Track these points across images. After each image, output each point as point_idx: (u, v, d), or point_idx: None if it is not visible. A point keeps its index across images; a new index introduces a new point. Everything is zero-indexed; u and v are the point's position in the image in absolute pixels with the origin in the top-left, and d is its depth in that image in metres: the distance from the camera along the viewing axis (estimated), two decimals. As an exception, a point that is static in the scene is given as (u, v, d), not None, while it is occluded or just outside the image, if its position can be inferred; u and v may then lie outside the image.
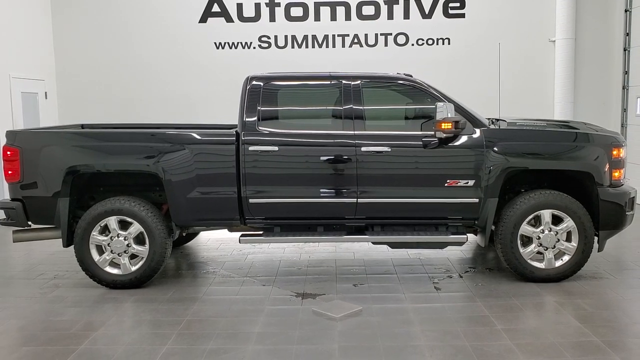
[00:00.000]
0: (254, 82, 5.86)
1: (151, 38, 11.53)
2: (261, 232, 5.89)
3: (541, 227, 5.67)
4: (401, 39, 11.48)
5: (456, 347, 4.32)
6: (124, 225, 5.72)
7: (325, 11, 11.45)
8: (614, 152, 5.70)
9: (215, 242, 7.68)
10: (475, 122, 5.73)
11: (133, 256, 5.76)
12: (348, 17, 11.45)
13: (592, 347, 4.28)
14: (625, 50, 11.28)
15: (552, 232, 5.65)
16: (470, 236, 6.03)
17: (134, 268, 5.74)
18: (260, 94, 5.80)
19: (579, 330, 4.58)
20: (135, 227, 5.68)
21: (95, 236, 5.70)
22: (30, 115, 10.48)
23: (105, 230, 5.74)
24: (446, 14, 11.46)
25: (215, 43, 11.50)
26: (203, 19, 11.49)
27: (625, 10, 11.20)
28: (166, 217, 5.84)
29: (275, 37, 11.50)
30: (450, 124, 5.40)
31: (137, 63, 11.58)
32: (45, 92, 11.13)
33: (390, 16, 11.45)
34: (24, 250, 7.41)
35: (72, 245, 5.78)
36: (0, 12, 9.98)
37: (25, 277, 6.37)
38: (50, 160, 5.70)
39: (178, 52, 11.53)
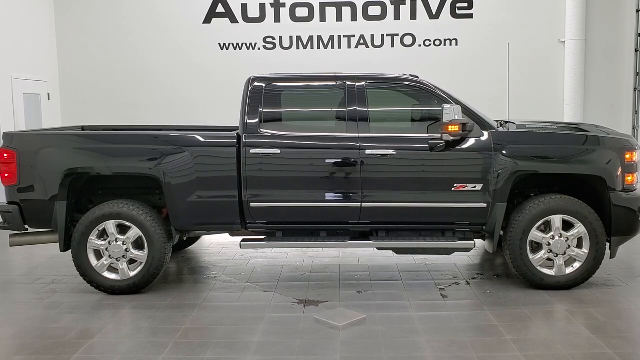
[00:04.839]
0: (256, 83, 5.72)
1: (155, 39, 11.46)
2: (263, 237, 5.75)
3: (551, 233, 5.50)
4: (408, 40, 11.34)
5: (463, 358, 4.16)
6: (123, 230, 5.59)
7: (330, 12, 11.34)
8: (627, 156, 5.52)
9: (217, 246, 7.55)
10: (483, 124, 5.57)
11: (132, 261, 5.63)
12: (354, 17, 11.34)
13: (605, 359, 4.10)
14: (636, 51, 11.10)
15: (562, 238, 5.48)
16: (478, 242, 5.86)
17: (132, 273, 5.60)
18: (262, 96, 5.66)
19: (591, 341, 4.41)
20: (134, 232, 5.55)
21: (93, 240, 5.57)
22: (33, 116, 10.42)
23: (103, 234, 5.61)
24: (454, 14, 11.33)
25: (219, 44, 11.42)
26: (207, 20, 11.41)
27: (637, 11, 11.02)
28: (166, 221, 5.71)
29: (280, 37, 11.40)
30: (457, 127, 5.24)
31: (141, 64, 11.51)
32: (48, 94, 11.07)
33: (396, 17, 11.33)
34: (24, 254, 7.30)
35: (70, 250, 5.65)
36: (3, 13, 9.91)
37: (23, 281, 6.26)
38: (48, 162, 5.58)
39: (182, 53, 11.46)
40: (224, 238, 6.62)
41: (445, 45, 11.33)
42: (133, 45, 11.50)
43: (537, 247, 5.56)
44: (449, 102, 5.48)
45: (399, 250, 5.81)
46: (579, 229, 5.46)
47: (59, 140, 5.74)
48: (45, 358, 4.26)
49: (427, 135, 5.56)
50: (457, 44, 11.31)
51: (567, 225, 5.49)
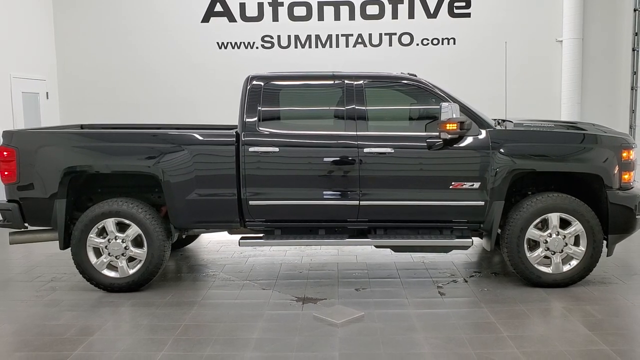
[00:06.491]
0: (255, 82, 5.74)
1: (153, 38, 11.47)
2: (261, 235, 5.77)
3: (548, 231, 5.53)
4: (406, 39, 11.37)
5: (461, 355, 4.18)
6: (122, 228, 5.61)
7: (328, 11, 11.36)
8: (624, 154, 5.55)
9: (216, 244, 7.57)
10: (481, 122, 5.60)
11: (131, 259, 5.64)
12: (352, 16, 11.36)
13: (602, 356, 4.13)
14: (634, 50, 11.13)
15: (559, 236, 5.51)
16: (476, 240, 5.89)
17: (131, 271, 5.62)
18: (261, 94, 5.68)
19: (588, 338, 4.44)
20: (133, 230, 5.57)
21: (93, 238, 5.59)
22: (31, 115, 10.43)
23: (102, 232, 5.63)
24: (451, 13, 11.36)
25: (217, 43, 11.44)
26: (205, 19, 11.43)
27: (634, 10, 11.05)
28: (165, 219, 5.73)
29: (278, 37, 11.42)
30: (455, 125, 5.27)
31: (139, 63, 11.52)
32: (47, 92, 11.08)
33: (394, 16, 11.35)
34: (23, 252, 7.32)
35: (69, 248, 5.67)
36: (2, 12, 9.92)
37: (22, 279, 6.28)
38: (48, 160, 5.59)
39: (180, 51, 11.47)
40: (223, 236, 6.64)
41: (443, 44, 11.36)
42: (131, 44, 11.50)
43: (534, 245, 5.58)
44: (446, 101, 5.50)
45: (397, 248, 5.84)
46: (576, 226, 5.48)
47: (58, 139, 5.75)
48: (45, 355, 4.28)
49: (425, 133, 5.59)
50: (455, 43, 11.34)
51: (564, 223, 5.52)
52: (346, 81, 5.71)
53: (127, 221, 5.56)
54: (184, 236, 6.69)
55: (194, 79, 11.43)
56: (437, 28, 11.33)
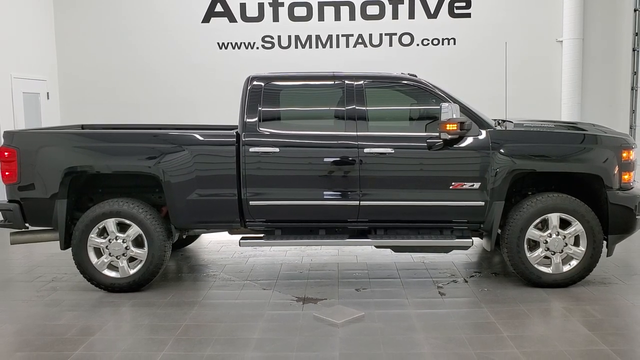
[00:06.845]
0: (255, 82, 5.75)
1: (154, 38, 11.48)
2: (262, 235, 5.78)
3: (548, 231, 5.53)
4: (406, 39, 11.38)
5: (461, 355, 4.19)
6: (123, 228, 5.62)
7: (329, 11, 11.37)
8: (624, 154, 5.56)
9: (216, 244, 7.58)
10: (481, 123, 5.60)
11: (132, 259, 5.65)
12: (352, 17, 11.37)
13: (602, 356, 4.14)
14: (634, 50, 11.14)
15: (559, 236, 5.52)
16: (476, 240, 5.90)
17: (132, 271, 5.63)
18: (261, 95, 5.69)
19: (588, 338, 4.45)
20: (134, 230, 5.58)
21: (93, 238, 5.59)
22: (32, 115, 10.44)
23: (103, 232, 5.64)
24: (452, 13, 11.36)
25: (218, 43, 11.45)
26: (206, 19, 11.44)
27: (635, 10, 11.06)
28: (165, 220, 5.74)
29: (279, 37, 11.43)
30: (455, 125, 5.28)
31: (140, 63, 11.53)
32: (47, 93, 11.08)
33: (395, 16, 11.36)
34: (24, 252, 7.33)
35: (70, 248, 5.68)
36: (3, 12, 9.93)
37: (23, 279, 6.29)
38: (48, 161, 5.60)
39: (180, 52, 11.48)
40: (223, 236, 6.64)
41: (443, 44, 11.37)
42: (132, 44, 11.51)
43: (534, 245, 5.59)
44: (447, 101, 5.51)
45: (397, 248, 5.85)
46: (576, 227, 5.49)
47: (59, 139, 5.76)
48: (46, 355, 4.29)
49: (425, 134, 5.60)
50: (455, 43, 11.35)
51: (564, 224, 5.52)
52: (346, 81, 5.71)
53: (127, 221, 5.57)
54: (184, 236, 6.70)
55: (194, 79, 11.44)
56: (437, 28, 11.33)
